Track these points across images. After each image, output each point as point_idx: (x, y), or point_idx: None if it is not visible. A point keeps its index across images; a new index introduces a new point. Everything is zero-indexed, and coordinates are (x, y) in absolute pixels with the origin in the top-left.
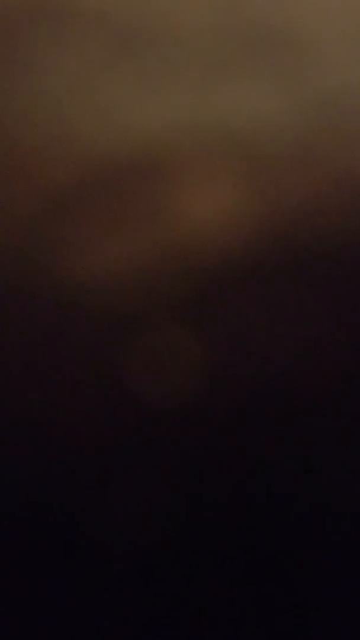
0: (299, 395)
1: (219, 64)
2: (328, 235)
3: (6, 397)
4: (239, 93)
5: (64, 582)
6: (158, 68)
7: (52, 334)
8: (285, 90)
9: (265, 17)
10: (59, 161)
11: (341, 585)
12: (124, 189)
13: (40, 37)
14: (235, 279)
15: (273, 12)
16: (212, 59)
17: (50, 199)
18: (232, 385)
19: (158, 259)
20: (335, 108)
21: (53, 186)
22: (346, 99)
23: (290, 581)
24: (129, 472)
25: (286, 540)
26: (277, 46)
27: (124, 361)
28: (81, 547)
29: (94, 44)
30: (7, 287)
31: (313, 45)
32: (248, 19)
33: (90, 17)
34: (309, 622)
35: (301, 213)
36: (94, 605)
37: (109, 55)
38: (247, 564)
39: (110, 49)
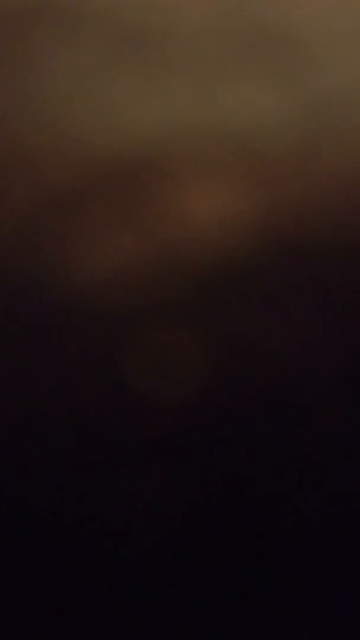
0: (299, 393)
1: (219, 64)
2: (328, 235)
3: (6, 396)
4: (239, 93)
5: (64, 580)
6: (158, 68)
7: (52, 332)
8: (285, 90)
9: (265, 17)
10: (59, 161)
11: (341, 584)
12: (124, 188)
13: (40, 37)
14: (235, 278)
15: (273, 12)
16: (212, 59)
17: (50, 199)
18: (232, 384)
19: (158, 257)
20: (335, 108)
21: (53, 186)
22: (346, 99)
23: (289, 580)
24: (129, 469)
25: (286, 538)
26: (277, 46)
27: (124, 359)
28: (81, 544)
29: (94, 44)
30: (7, 285)
31: (313, 45)
32: (248, 19)
33: (90, 17)
34: (308, 621)
35: (301, 213)
36: (94, 603)
37: (109, 55)
38: (246, 562)
39: (110, 49)
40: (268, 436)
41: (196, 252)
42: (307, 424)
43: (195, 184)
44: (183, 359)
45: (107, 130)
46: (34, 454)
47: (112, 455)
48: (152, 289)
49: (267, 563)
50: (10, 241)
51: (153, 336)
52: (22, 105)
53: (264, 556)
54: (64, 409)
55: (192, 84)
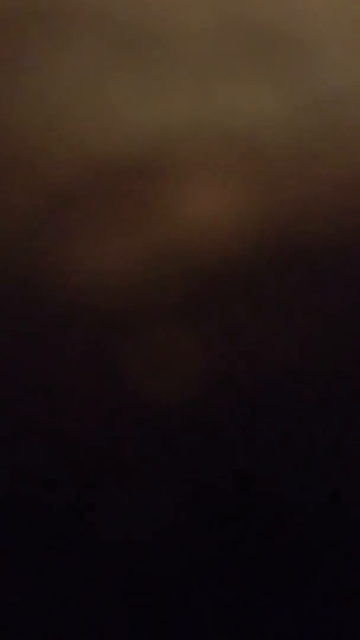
0: (298, 394)
1: (219, 64)
2: (328, 235)
3: (7, 396)
4: (239, 93)
5: (64, 581)
6: (158, 68)
7: (52, 332)
8: (285, 90)
9: (265, 17)
10: (59, 161)
11: (341, 583)
12: (124, 188)
13: (40, 37)
14: (235, 278)
15: (273, 12)
16: (212, 59)
17: (50, 199)
18: (231, 384)
19: (158, 257)
20: (335, 108)
21: (53, 185)
22: (346, 99)
23: (290, 580)
24: (128, 469)
25: (285, 537)
26: (277, 46)
27: (123, 359)
28: (81, 545)
29: (94, 44)
30: (8, 284)
31: (313, 45)
32: (248, 19)
33: (90, 17)
34: (308, 621)
35: (301, 213)
36: (93, 603)
37: (109, 55)
38: (246, 562)
39: (110, 49)
40: (268, 436)
41: (196, 253)
42: (308, 424)
43: (196, 185)
44: (183, 359)
45: (107, 131)
46: (33, 452)
47: (112, 454)
48: (152, 289)
49: (266, 563)
50: (11, 241)
51: (153, 336)
52: (22, 106)
53: (263, 555)
54: (63, 408)
55: (192, 84)
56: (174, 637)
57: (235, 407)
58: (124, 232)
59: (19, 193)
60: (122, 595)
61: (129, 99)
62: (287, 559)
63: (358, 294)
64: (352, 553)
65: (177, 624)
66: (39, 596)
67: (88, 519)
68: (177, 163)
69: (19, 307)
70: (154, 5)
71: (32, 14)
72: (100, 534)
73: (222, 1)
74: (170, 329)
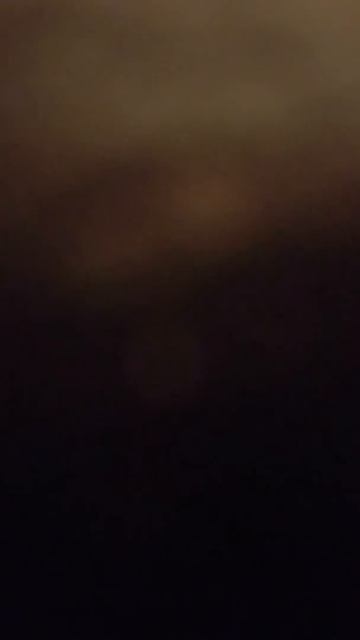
0: (298, 393)
1: (219, 64)
2: (327, 234)
3: (6, 395)
4: (239, 93)
5: (64, 583)
6: (158, 68)
7: (52, 332)
8: (285, 90)
9: (265, 17)
10: (59, 161)
11: (341, 585)
12: (125, 188)
13: (40, 37)
14: (235, 278)
15: (274, 12)
16: (212, 59)
17: (50, 199)
18: (231, 383)
19: (158, 258)
20: (335, 108)
21: (54, 186)
22: (346, 98)
23: (290, 581)
24: (128, 468)
25: (286, 538)
26: (277, 46)
27: (124, 359)
28: (82, 546)
29: (94, 44)
30: (8, 284)
31: (313, 45)
32: (248, 19)
33: (90, 17)
34: (309, 623)
35: (301, 212)
36: (94, 606)
37: (109, 55)
38: (246, 562)
39: (110, 49)
40: (268, 436)
41: (196, 252)
42: (308, 424)
43: (196, 184)
44: (183, 359)
45: (107, 130)
46: (33, 452)
47: (112, 453)
48: (152, 289)
49: (268, 563)
50: (11, 241)
51: (153, 336)
52: (23, 106)
53: (265, 556)
54: (63, 407)
55: (192, 84)
56: (172, 637)
57: (236, 406)
58: (124, 231)
59: (18, 193)
60: (120, 596)
61: (129, 98)
62: (287, 559)
63: (358, 292)
64: (354, 552)
65: (175, 625)
66: (38, 597)
67: (88, 519)
68: (177, 163)
69: (18, 306)
70: (154, 5)
71: (32, 13)
72: (99, 534)
73: (222, 1)
74: (170, 328)
